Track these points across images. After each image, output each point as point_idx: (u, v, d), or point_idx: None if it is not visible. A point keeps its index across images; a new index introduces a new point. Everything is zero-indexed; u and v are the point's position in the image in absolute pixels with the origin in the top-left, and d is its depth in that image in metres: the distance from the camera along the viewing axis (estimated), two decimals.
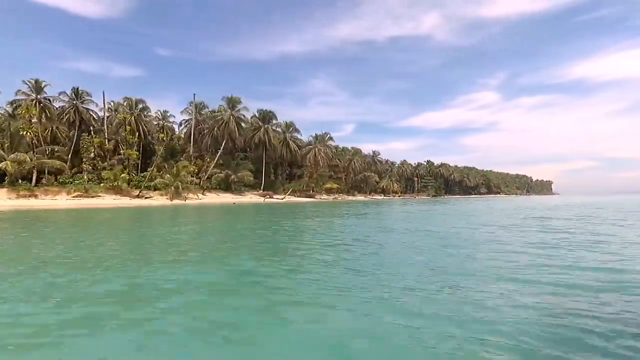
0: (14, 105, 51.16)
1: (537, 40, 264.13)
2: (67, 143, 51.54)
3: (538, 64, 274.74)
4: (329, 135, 75.68)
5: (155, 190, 44.90)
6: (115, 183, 40.80)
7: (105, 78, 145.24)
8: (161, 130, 56.04)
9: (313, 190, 74.52)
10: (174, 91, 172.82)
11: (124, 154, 44.36)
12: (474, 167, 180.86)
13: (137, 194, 41.76)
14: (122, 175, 42.57)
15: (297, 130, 70.10)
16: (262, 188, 61.96)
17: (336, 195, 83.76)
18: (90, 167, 44.56)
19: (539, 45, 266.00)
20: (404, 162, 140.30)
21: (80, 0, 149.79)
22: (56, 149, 56.12)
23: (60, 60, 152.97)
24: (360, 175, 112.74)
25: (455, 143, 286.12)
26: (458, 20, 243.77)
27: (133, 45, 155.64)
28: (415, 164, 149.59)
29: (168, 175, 45.15)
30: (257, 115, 63.35)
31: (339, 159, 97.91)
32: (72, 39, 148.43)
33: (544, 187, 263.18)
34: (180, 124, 61.87)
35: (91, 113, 55.99)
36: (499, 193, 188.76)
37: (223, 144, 54.34)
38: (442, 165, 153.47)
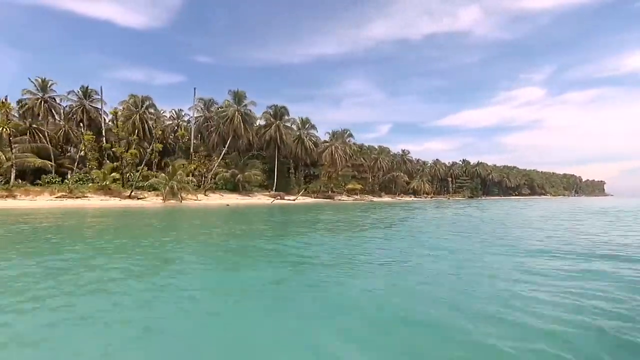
0: (19, 104, 50.15)
1: (588, 31, 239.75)
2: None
3: (588, 56, 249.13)
4: (348, 132, 69.38)
5: (153, 190, 41.24)
6: (104, 183, 37.39)
7: (150, 86, 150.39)
8: (176, 129, 52.98)
9: (332, 191, 68.54)
10: (214, 96, 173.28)
11: (119, 153, 41.00)
12: (515, 166, 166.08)
13: (128, 194, 38.12)
14: (112, 174, 39.13)
15: (313, 127, 64.48)
16: (274, 188, 56.96)
17: (359, 196, 77.15)
18: (90, 166, 41.80)
19: (589, 37, 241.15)
20: (436, 162, 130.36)
21: (126, 12, 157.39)
22: (68, 149, 55.30)
23: (110, 70, 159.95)
24: (388, 175, 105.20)
25: (495, 142, 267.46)
26: (500, 14, 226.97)
27: (175, 54, 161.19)
28: (449, 163, 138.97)
29: (163, 175, 41.25)
30: (269, 111, 58.55)
31: (363, 158, 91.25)
32: (120, 49, 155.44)
33: (595, 188, 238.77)
34: (194, 122, 58.25)
35: (100, 112, 54.04)
36: (543, 194, 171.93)
37: (228, 142, 49.87)
38: (479, 164, 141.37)
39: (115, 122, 47.03)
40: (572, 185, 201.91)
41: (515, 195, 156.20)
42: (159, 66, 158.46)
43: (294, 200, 54.26)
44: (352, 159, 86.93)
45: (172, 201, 39.40)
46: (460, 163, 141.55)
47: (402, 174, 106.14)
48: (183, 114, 62.36)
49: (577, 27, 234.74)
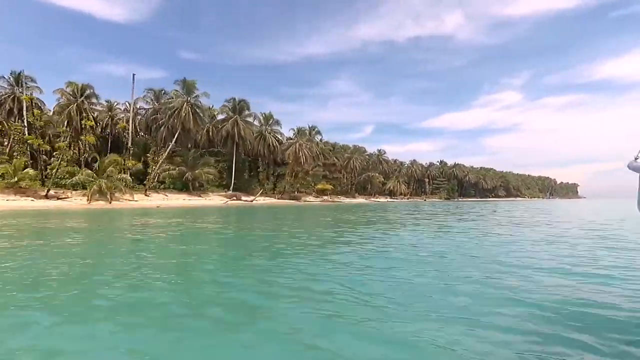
0: None
1: (565, 39, 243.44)
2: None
3: (565, 63, 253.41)
4: (316, 130, 64.85)
5: (83, 189, 35.86)
6: (14, 179, 31.88)
7: (129, 80, 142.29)
8: (109, 121, 47.32)
9: (299, 192, 64.06)
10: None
11: (36, 146, 35.52)
12: (491, 168, 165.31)
13: (44, 193, 32.72)
14: (26, 170, 33.59)
15: (277, 123, 59.71)
16: (232, 188, 52.11)
17: (329, 197, 72.95)
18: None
19: (566, 44, 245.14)
20: (413, 162, 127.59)
21: (107, 5, 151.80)
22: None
23: (91, 64, 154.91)
24: (363, 175, 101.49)
25: (477, 144, 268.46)
26: (482, 19, 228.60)
27: (157, 48, 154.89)
28: (426, 164, 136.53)
29: (89, 172, 35.95)
30: (227, 105, 53.53)
31: (336, 157, 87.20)
32: (100, 42, 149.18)
33: (569, 190, 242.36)
34: (140, 113, 52.44)
35: (36, 102, 48.12)
36: (519, 196, 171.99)
37: (176, 136, 44.69)
38: (456, 165, 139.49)
39: (31, 110, 41.32)
40: (547, 188, 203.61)
41: (492, 197, 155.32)
42: (141, 61, 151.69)
43: (251, 201, 49.56)
44: (324, 158, 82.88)
45: (100, 202, 34.15)
46: (438, 164, 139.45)
47: (377, 174, 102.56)
48: (126, 104, 55.81)
49: (555, 34, 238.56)
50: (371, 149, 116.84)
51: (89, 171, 35.99)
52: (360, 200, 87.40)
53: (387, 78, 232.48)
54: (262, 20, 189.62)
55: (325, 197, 69.57)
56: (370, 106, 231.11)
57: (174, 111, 43.66)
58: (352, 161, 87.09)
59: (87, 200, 33.40)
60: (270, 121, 59.26)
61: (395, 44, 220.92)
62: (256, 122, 58.80)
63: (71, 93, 45.98)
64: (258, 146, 56.85)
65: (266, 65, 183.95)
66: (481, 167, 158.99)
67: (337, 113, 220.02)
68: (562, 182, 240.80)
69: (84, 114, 44.77)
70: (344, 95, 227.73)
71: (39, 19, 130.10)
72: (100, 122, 50.90)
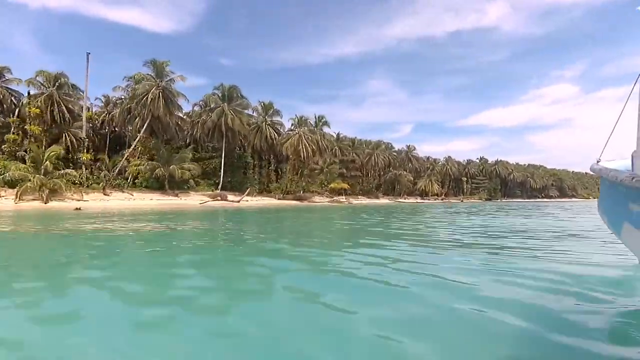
0: None
1: (623, 24, 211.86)
2: None
3: (625, 50, 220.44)
4: (323, 120, 54.93)
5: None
6: None
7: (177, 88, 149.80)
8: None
9: (306, 191, 55.01)
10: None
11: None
12: (541, 166, 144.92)
13: None
14: None
15: (278, 114, 51.21)
16: (220, 187, 44.39)
17: (344, 197, 63.12)
18: None
19: (624, 30, 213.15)
20: (448, 159, 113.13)
21: (153, 18, 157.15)
22: None
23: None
24: (390, 174, 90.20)
25: (523, 142, 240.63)
26: (529, 8, 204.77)
27: (199, 57, 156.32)
28: (464, 161, 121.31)
29: (22, 165, 29.66)
30: (216, 93, 45.88)
31: (356, 154, 77.14)
32: (147, 53, 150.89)
33: None
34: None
35: (13, 93, 43.90)
36: (574, 196, 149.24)
37: (145, 126, 37.61)
38: (498, 162, 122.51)
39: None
40: None
41: (542, 197, 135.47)
42: (184, 69, 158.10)
43: (238, 202, 41.36)
44: (341, 154, 73.24)
45: (35, 202, 27.69)
46: (477, 161, 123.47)
47: (405, 172, 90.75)
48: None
49: (611, 20, 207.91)
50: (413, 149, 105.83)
51: (22, 165, 29.66)
52: (384, 201, 76.43)
53: (424, 75, 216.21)
54: (294, 23, 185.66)
55: (338, 198, 59.82)
56: (407, 105, 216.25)
57: (143, 97, 36.54)
58: (373, 157, 76.46)
59: (15, 199, 26.97)
60: (270, 111, 50.74)
61: (432, 40, 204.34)
62: (254, 113, 50.76)
63: (43, 83, 40.88)
64: (255, 139, 48.64)
65: (298, 68, 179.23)
66: (529, 164, 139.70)
67: (373, 113, 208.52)
68: None
69: (57, 105, 39.32)
70: (378, 94, 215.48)
71: (93, 34, 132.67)
72: (96, 118, 45.88)
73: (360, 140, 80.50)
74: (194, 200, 38.83)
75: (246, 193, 42.96)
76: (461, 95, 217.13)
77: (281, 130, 51.91)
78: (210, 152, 48.24)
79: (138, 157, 39.92)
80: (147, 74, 38.53)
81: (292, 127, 51.20)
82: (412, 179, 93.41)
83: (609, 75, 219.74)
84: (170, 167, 38.19)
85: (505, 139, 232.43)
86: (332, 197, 57.09)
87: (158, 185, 38.94)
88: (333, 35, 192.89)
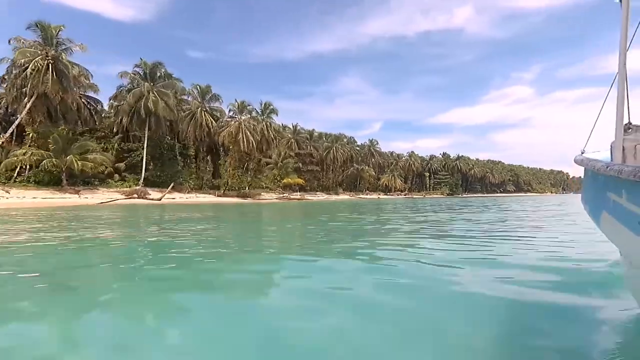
0: None
1: (579, 31, 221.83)
2: None
3: (579, 56, 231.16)
4: (270, 107, 47.99)
5: None
6: None
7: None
8: None
9: (252, 187, 48.11)
10: None
11: None
12: (499, 161, 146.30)
13: None
14: None
15: (217, 99, 43.81)
16: (142, 182, 36.59)
17: (298, 194, 56.87)
18: None
19: (580, 36, 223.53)
20: (411, 154, 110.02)
21: (116, 5, 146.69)
22: None
23: (100, 64, 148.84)
24: (352, 169, 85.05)
25: (487, 141, 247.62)
26: (493, 12, 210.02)
27: (165, 48, 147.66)
28: (427, 157, 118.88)
29: None
30: (137, 71, 37.76)
31: (314, 147, 71.08)
32: (109, 43, 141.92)
33: (581, 185, 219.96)
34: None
35: None
36: (529, 191, 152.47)
37: (29, 105, 29.04)
38: (459, 158, 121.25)
39: None
40: (560, 182, 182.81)
41: (500, 192, 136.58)
42: (150, 60, 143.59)
43: (159, 199, 33.84)
44: (297, 147, 66.88)
45: None
46: (440, 157, 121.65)
47: (367, 167, 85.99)
48: None
49: (568, 26, 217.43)
50: (380, 146, 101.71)
51: None
52: (343, 197, 71.04)
53: (396, 74, 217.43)
54: (269, 18, 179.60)
55: (290, 194, 53.38)
56: (379, 103, 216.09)
57: (24, 69, 28.00)
58: (332, 151, 70.64)
59: None
60: (208, 96, 43.26)
61: (404, 40, 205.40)
62: (189, 98, 43.04)
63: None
64: (189, 128, 41.03)
65: (273, 63, 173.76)
66: (488, 160, 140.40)
67: (345, 110, 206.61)
68: (574, 177, 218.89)
69: None
70: (352, 92, 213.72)
71: (46, 19, 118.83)
72: None
73: (320, 133, 74.29)
74: (100, 198, 30.91)
75: (169, 189, 35.44)
76: (431, 94, 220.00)
77: (222, 118, 44.49)
78: (137, 143, 40.12)
79: (30, 145, 31.35)
80: (35, 41, 29.88)
81: (232, 115, 43.83)
82: (374, 174, 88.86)
83: (562, 78, 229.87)
84: (67, 158, 29.97)
85: (471, 137, 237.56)
86: (283, 194, 50.52)
87: (50, 180, 30.60)
88: (308, 30, 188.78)
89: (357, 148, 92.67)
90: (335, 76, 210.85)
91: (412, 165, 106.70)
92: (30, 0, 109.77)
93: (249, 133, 40.45)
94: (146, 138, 36.79)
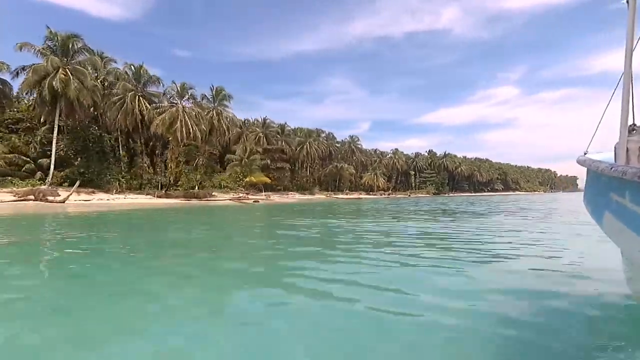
0: None
1: (561, 32, 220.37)
2: None
3: (560, 57, 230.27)
4: (223, 93, 40.91)
5: None
6: None
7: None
8: None
9: (202, 186, 41.10)
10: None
11: None
12: (487, 159, 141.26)
13: None
14: None
15: (154, 82, 36.70)
16: (50, 179, 29.45)
17: (264, 194, 50.01)
18: None
19: (562, 37, 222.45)
20: (395, 152, 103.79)
21: (101, 3, 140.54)
22: None
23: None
24: (330, 167, 78.46)
25: (473, 140, 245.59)
26: (479, 13, 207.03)
27: (151, 46, 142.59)
28: (413, 154, 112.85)
29: None
30: (49, 45, 30.60)
31: (286, 142, 64.18)
32: (95, 41, 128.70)
33: (569, 183, 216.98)
34: None
35: None
36: (517, 189, 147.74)
37: None
38: (446, 156, 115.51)
39: None
40: (547, 180, 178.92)
41: (488, 190, 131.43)
42: (136, 59, 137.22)
43: (63, 201, 26.73)
44: (267, 143, 59.99)
45: None
46: (426, 154, 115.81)
47: (346, 165, 79.39)
48: None
49: (551, 28, 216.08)
50: (368, 145, 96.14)
51: None
52: (319, 197, 64.39)
53: (382, 74, 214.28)
54: (254, 17, 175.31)
55: (248, 195, 46.38)
56: (365, 103, 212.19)
57: None
58: (306, 147, 63.84)
59: None
60: (143, 79, 36.10)
61: (390, 40, 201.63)
62: (119, 81, 35.76)
63: None
64: (118, 115, 33.86)
65: (258, 62, 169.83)
66: (476, 158, 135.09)
67: (332, 110, 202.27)
68: (561, 175, 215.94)
69: None
70: (338, 92, 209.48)
71: (29, 16, 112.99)
72: None
73: (295, 128, 67.34)
74: None
75: (74, 189, 28.22)
76: (417, 94, 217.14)
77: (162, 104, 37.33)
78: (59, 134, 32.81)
79: None
80: None
81: (172, 100, 36.58)
82: (354, 172, 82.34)
83: (546, 79, 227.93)
84: None
85: (457, 137, 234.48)
86: (239, 195, 43.49)
87: None
88: (293, 30, 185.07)
89: (337, 145, 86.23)
90: (322, 76, 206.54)
91: (397, 164, 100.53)
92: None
93: (190, 122, 33.43)
94: (56, 126, 29.55)
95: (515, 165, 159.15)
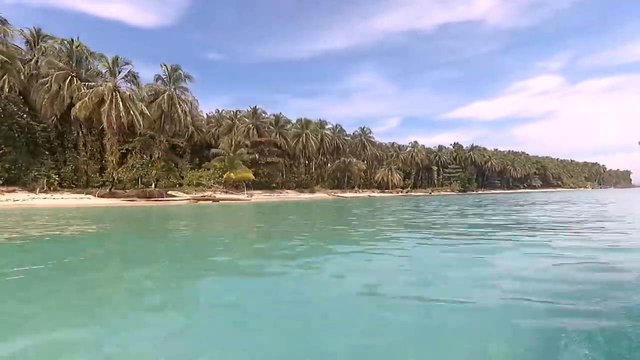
0: None
1: (608, 16, 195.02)
2: None
3: (608, 42, 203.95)
4: (178, 72, 33.81)
5: None
6: None
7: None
8: None
9: (160, 183, 34.50)
10: (224, 93, 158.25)
11: None
12: (523, 152, 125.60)
13: None
14: None
15: (90, 60, 30.30)
16: None
17: (246, 193, 42.85)
18: None
19: (610, 21, 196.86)
20: (415, 145, 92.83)
21: (137, 12, 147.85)
22: None
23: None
24: (337, 162, 69.97)
25: (508, 134, 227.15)
26: (516, 0, 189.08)
27: (184, 51, 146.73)
28: (435, 148, 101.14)
29: None
30: None
31: (282, 135, 56.47)
32: (131, 48, 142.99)
33: (620, 178, 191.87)
34: None
35: None
36: (559, 186, 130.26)
37: None
38: (473, 148, 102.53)
39: None
40: (595, 175, 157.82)
41: (523, 187, 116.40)
42: (172, 64, 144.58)
43: None
44: (257, 135, 52.68)
45: None
46: (450, 147, 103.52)
47: (354, 159, 70.38)
48: None
49: (597, 11, 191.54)
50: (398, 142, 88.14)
51: None
52: (321, 195, 56.37)
53: (412, 68, 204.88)
54: (281, 17, 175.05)
55: (213, 194, 39.20)
56: (395, 98, 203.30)
57: None
58: (301, 140, 55.80)
59: None
60: (81, 58, 29.88)
61: (420, 33, 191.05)
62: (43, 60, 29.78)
63: None
64: (44, 100, 27.87)
65: (286, 62, 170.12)
66: (509, 151, 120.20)
67: (360, 107, 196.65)
68: (610, 170, 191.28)
69: None
70: (366, 88, 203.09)
71: (76, 29, 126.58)
72: None
73: (285, 117, 59.46)
74: None
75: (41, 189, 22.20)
76: (449, 88, 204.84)
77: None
78: None
79: None
80: None
81: (104, 79, 29.98)
82: (364, 167, 73.11)
83: (592, 66, 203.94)
84: None
85: (491, 132, 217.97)
86: (202, 194, 36.36)
87: None
88: (320, 29, 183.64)
89: (348, 138, 77.44)
90: (349, 73, 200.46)
91: (416, 158, 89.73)
92: (53, 11, 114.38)
93: (123, 105, 26.64)
94: None
95: (557, 159, 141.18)
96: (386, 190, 78.41)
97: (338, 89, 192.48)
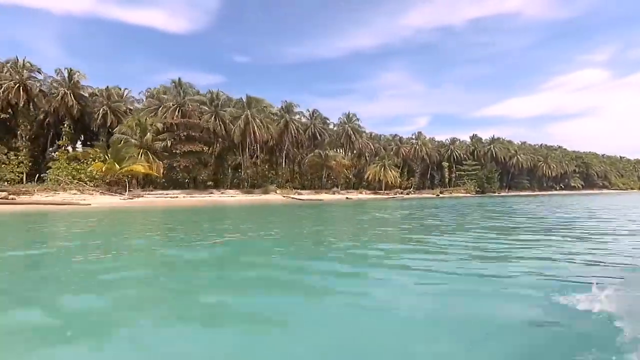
0: None
1: None
2: None
3: None
4: None
5: None
6: None
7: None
8: None
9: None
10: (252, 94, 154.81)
11: None
12: (559, 146, 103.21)
13: None
14: None
15: None
16: None
17: (161, 192, 29.07)
18: None
19: None
20: (419, 136, 75.00)
21: (167, 18, 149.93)
22: None
23: (155, 74, 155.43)
24: (310, 155, 54.58)
25: (545, 133, 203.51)
26: None
27: (214, 55, 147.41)
28: (447, 140, 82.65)
29: None
30: None
31: (220, 118, 41.92)
32: (164, 53, 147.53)
33: None
34: None
35: None
36: (605, 187, 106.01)
37: None
38: (494, 141, 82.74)
39: None
40: None
41: (560, 188, 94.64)
42: (201, 68, 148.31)
43: None
44: (188, 116, 38.42)
45: None
46: (467, 140, 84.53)
47: (332, 152, 54.72)
48: None
49: None
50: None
51: None
52: (271, 197, 41.46)
53: (442, 65, 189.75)
54: (307, 17, 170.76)
55: (157, 191, 25.40)
56: (423, 96, 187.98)
57: None
58: (239, 124, 40.75)
59: None
60: None
61: (450, 29, 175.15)
62: None
63: None
64: None
65: (313, 62, 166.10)
66: (542, 145, 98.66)
67: (388, 105, 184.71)
68: None
69: None
70: (394, 86, 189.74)
71: (112, 36, 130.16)
72: None
73: (214, 92, 44.71)
74: None
75: None
76: (482, 84, 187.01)
77: None
78: None
79: None
80: None
81: None
82: (347, 162, 57.16)
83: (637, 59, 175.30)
84: None
85: (527, 129, 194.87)
86: (120, 192, 22.59)
87: None
88: (347, 27, 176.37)
89: (332, 128, 61.94)
90: (376, 71, 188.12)
91: (420, 152, 72.18)
92: (97, 21, 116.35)
93: None
94: None
95: (603, 155, 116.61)
96: (379, 192, 61.86)
97: (365, 88, 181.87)
